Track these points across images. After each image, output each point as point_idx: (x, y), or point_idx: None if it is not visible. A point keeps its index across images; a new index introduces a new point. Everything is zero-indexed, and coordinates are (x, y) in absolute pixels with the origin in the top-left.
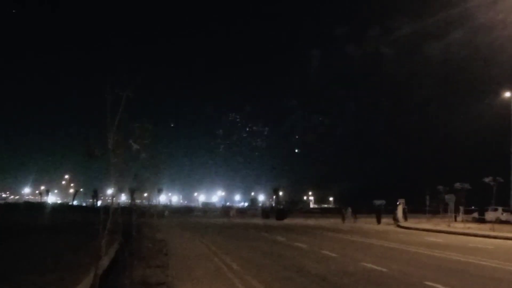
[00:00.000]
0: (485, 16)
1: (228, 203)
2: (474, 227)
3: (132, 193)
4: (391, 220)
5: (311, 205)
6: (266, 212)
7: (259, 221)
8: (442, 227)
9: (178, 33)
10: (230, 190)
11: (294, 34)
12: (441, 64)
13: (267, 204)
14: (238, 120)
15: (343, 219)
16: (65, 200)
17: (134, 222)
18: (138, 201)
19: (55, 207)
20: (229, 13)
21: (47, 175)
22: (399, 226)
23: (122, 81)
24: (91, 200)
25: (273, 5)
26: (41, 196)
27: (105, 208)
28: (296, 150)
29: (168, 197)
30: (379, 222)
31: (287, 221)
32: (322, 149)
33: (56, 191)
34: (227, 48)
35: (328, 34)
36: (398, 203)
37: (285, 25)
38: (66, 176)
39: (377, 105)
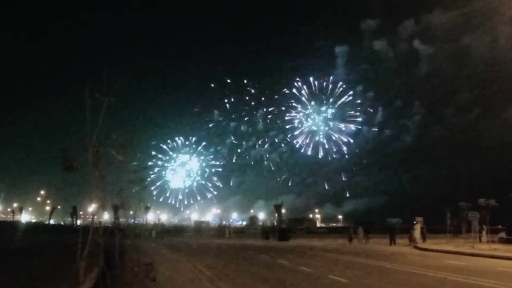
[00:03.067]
0: None
1: (223, 222)
2: (501, 249)
3: (115, 210)
4: (407, 241)
5: (318, 224)
6: (266, 232)
7: (258, 242)
8: (465, 248)
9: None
10: (226, 207)
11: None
12: (486, 63)
13: (268, 223)
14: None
15: (350, 239)
16: (41, 218)
17: (118, 244)
18: (122, 219)
19: (29, 227)
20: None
21: (20, 191)
22: (416, 247)
23: (103, 86)
24: (69, 219)
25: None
26: (13, 215)
27: (85, 227)
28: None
29: (157, 215)
30: (394, 243)
31: (290, 242)
32: (332, 162)
33: (30, 208)
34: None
35: (355, 29)
36: (415, 221)
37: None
38: (42, 192)
39: (410, 110)
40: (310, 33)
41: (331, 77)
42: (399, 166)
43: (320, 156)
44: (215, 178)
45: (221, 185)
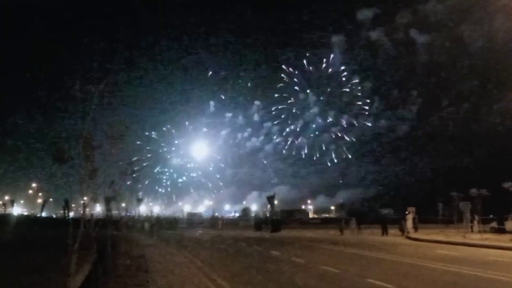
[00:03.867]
0: None
1: (216, 214)
2: (492, 238)
3: (107, 203)
4: (399, 231)
5: (310, 215)
6: (259, 223)
7: (251, 233)
8: (457, 238)
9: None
10: (219, 199)
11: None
12: (484, 52)
13: (261, 214)
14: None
15: (341, 230)
16: (33, 211)
17: (110, 236)
18: (115, 212)
19: (21, 220)
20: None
21: (11, 184)
22: (408, 237)
23: (94, 77)
24: (62, 212)
25: None
26: (5, 208)
27: (77, 220)
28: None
29: (149, 207)
30: (386, 233)
31: (283, 233)
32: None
33: (22, 201)
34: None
35: (351, 19)
36: (407, 212)
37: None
38: (34, 185)
39: (406, 100)
40: (306, 23)
41: (329, 66)
42: (393, 156)
43: (314, 148)
44: (217, 176)
45: (220, 183)
